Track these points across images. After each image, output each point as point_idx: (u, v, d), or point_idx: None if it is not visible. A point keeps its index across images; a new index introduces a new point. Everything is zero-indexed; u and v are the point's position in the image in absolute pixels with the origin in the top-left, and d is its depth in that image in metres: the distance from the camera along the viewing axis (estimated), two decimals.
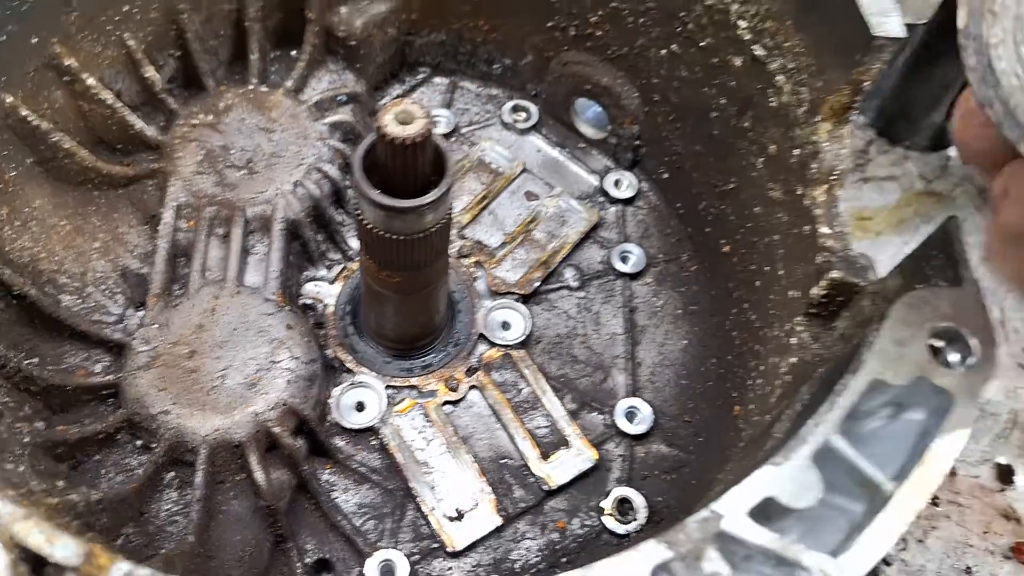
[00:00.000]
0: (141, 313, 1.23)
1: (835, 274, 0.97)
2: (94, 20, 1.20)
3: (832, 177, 1.04)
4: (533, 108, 1.59)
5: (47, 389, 1.08)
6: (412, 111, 0.93)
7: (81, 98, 1.22)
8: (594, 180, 1.54)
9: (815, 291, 1.00)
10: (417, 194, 0.99)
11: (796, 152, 1.11)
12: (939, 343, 0.76)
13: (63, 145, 1.18)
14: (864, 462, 0.70)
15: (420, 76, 1.62)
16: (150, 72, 1.30)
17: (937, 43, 1.61)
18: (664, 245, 1.49)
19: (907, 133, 1.87)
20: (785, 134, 1.13)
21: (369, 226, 1.03)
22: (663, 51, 1.34)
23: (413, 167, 0.96)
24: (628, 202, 1.52)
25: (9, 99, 1.10)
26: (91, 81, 1.20)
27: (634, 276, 1.45)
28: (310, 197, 1.31)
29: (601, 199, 1.53)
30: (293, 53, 1.47)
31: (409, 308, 1.22)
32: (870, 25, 0.93)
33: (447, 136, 1.56)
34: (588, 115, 1.57)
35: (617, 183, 1.53)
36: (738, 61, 1.20)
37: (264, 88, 1.39)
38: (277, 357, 1.16)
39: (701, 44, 1.26)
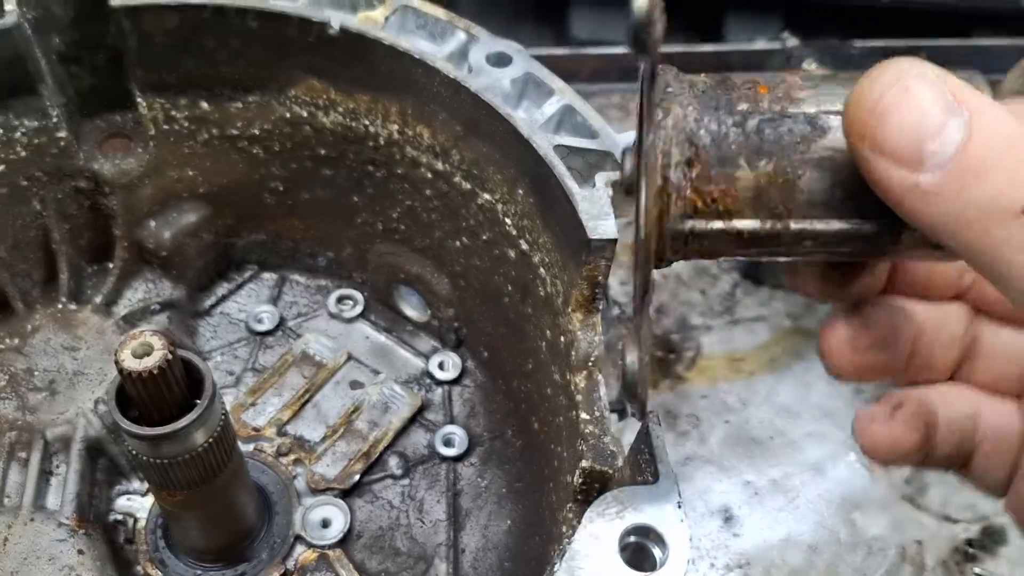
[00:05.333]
0: None
1: (585, 463, 0.99)
2: None
3: (589, 364, 1.09)
4: (359, 296, 1.64)
5: None
6: (151, 342, 0.95)
7: None
8: (420, 363, 1.58)
9: (574, 479, 1.02)
10: (180, 415, 1.01)
11: (562, 339, 1.16)
12: (637, 540, 0.78)
13: None
14: None
15: (248, 273, 1.67)
16: None
17: None
18: (490, 423, 1.51)
19: (770, 274, 1.95)
20: (554, 321, 1.19)
21: (136, 454, 1.04)
22: (456, 243, 1.40)
23: (161, 395, 0.98)
24: (454, 382, 1.56)
25: None
26: None
27: (458, 458, 1.46)
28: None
29: (428, 381, 1.56)
30: (111, 266, 1.51)
31: (205, 521, 1.21)
32: (586, 229, 1.00)
33: (271, 332, 1.59)
34: (412, 300, 1.62)
35: (441, 365, 1.56)
36: (512, 253, 1.27)
37: (73, 306, 1.41)
38: None
39: (483, 238, 1.33)
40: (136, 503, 1.34)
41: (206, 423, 1.03)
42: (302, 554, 1.31)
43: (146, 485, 1.35)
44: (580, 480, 1.01)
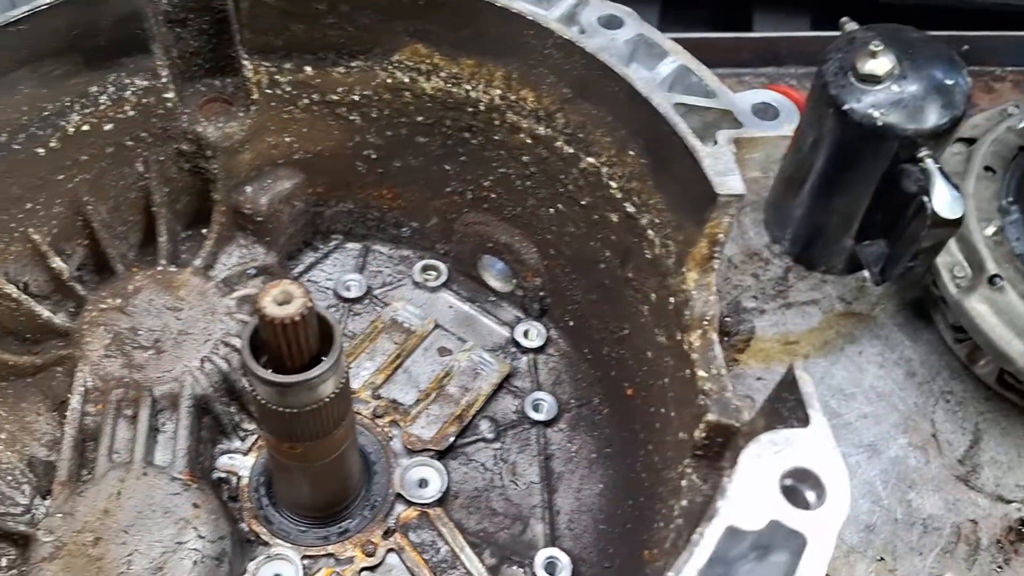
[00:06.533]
0: (48, 502, 1.23)
1: (711, 417, 1.01)
2: None
3: (704, 322, 1.10)
4: (443, 266, 1.65)
5: None
6: (291, 291, 0.97)
7: None
8: (505, 331, 1.59)
9: (696, 434, 1.03)
10: (308, 367, 1.03)
11: (672, 300, 1.17)
12: (792, 483, 0.79)
13: None
14: None
15: (333, 243, 1.68)
16: (56, 263, 1.34)
17: (836, 176, 1.72)
18: (576, 390, 1.53)
19: (822, 259, 1.96)
20: (661, 283, 1.20)
21: (264, 402, 1.06)
22: (551, 209, 1.42)
23: (297, 344, 1.00)
24: (539, 350, 1.57)
25: None
26: None
27: (548, 423, 1.48)
28: (219, 372, 1.34)
29: (513, 349, 1.57)
30: (204, 231, 1.53)
31: (318, 476, 1.23)
32: (713, 184, 1.01)
33: (359, 300, 1.61)
34: (495, 269, 1.63)
35: (526, 333, 1.58)
36: (614, 217, 1.28)
37: (173, 268, 1.43)
38: (183, 538, 1.16)
39: (582, 203, 1.34)
40: (238, 461, 1.36)
41: (336, 374, 1.05)
42: (403, 512, 1.33)
43: (247, 444, 1.38)
44: (703, 435, 1.02)
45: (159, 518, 1.17)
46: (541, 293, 1.56)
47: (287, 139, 1.48)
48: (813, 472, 0.78)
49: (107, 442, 1.25)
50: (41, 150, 1.25)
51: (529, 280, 1.55)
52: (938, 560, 1.69)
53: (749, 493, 0.77)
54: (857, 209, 1.76)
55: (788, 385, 0.87)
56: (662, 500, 1.19)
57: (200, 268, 1.46)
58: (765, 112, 1.09)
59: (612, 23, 1.20)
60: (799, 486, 0.79)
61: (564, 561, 1.31)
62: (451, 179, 1.52)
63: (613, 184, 1.25)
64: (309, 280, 1.64)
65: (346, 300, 1.61)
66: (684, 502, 1.05)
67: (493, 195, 1.49)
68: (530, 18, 1.20)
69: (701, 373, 1.07)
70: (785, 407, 0.87)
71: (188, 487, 1.22)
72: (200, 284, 1.42)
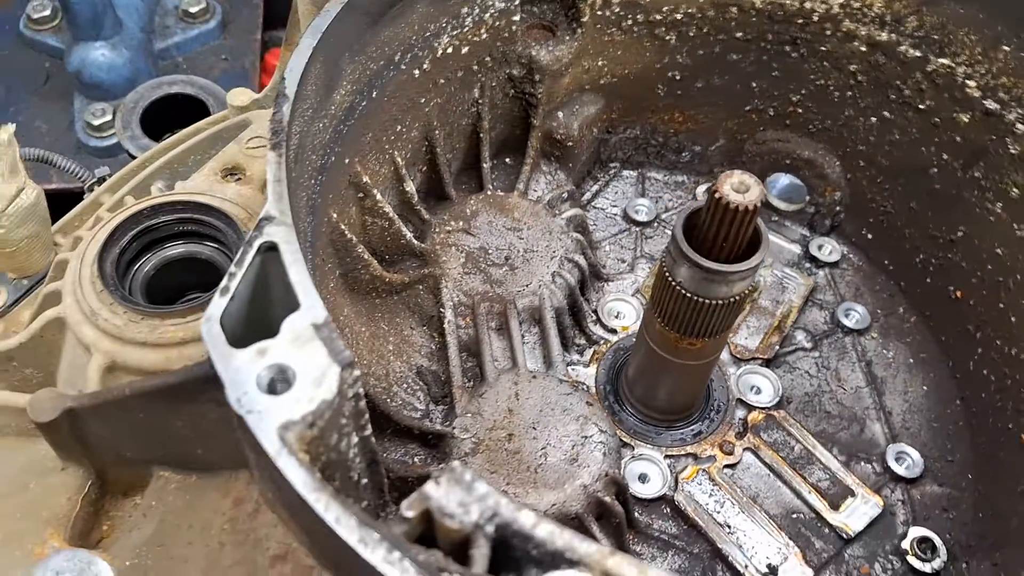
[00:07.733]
0: (441, 407, 1.30)
1: None
2: (379, 140, 1.31)
3: None
4: None
5: (393, 483, 1.15)
6: (747, 181, 1.02)
7: (367, 212, 1.32)
8: (795, 248, 1.63)
9: None
10: (727, 261, 1.08)
11: None
12: None
13: (363, 256, 1.28)
14: None
15: (611, 171, 1.73)
16: (409, 186, 1.41)
17: None
18: (877, 301, 1.56)
19: None
20: None
21: (686, 293, 1.11)
22: (873, 119, 1.44)
23: (738, 234, 1.04)
24: (834, 265, 1.61)
25: (333, 215, 1.20)
26: (379, 196, 1.31)
27: (861, 332, 1.52)
28: (567, 286, 1.40)
29: (808, 265, 1.61)
30: (507, 160, 1.59)
31: (694, 376, 1.29)
32: None
33: (649, 224, 1.65)
34: (779, 189, 1.66)
35: (821, 248, 1.61)
36: (964, 117, 1.31)
37: (500, 193, 1.49)
38: (587, 432, 1.22)
39: (920, 107, 1.37)
40: (581, 371, 1.42)
41: (756, 271, 1.10)
42: (749, 414, 1.39)
43: (587, 356, 1.43)
44: None
45: (559, 415, 1.24)
46: (837, 208, 1.60)
47: (600, 63, 1.52)
48: None
49: (488, 351, 1.32)
50: (416, 71, 1.31)
51: (828, 195, 1.59)
52: None
53: None
54: None
55: None
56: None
57: (523, 192, 1.51)
58: None
59: None
60: None
61: (914, 455, 1.36)
62: (754, 96, 1.55)
63: (971, 83, 1.28)
64: (595, 207, 1.69)
65: (637, 224, 1.66)
66: None
67: (800, 109, 1.53)
68: None
69: None
70: None
71: (575, 388, 1.28)
72: (531, 207, 1.48)
